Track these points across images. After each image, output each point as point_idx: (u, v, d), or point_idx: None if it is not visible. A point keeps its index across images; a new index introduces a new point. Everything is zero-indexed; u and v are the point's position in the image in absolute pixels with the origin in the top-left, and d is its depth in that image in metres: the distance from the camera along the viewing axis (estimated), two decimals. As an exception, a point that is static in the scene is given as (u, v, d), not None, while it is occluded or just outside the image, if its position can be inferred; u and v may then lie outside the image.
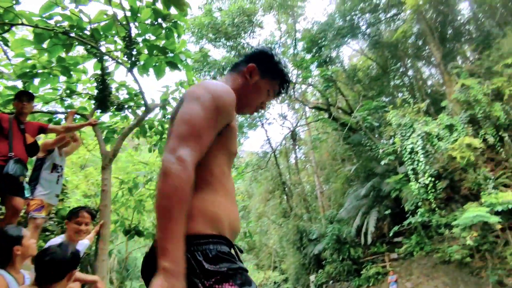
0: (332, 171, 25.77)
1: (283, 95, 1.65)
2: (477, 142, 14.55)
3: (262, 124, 27.85)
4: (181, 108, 1.19)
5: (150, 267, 1.07)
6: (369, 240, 16.90)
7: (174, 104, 5.80)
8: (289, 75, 1.57)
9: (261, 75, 1.48)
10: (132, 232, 5.64)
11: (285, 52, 26.87)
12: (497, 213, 13.22)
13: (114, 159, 4.92)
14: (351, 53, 29.89)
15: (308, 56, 22.10)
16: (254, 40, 24.03)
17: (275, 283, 30.55)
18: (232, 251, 1.17)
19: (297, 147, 30.47)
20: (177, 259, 0.95)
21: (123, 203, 7.38)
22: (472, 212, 13.13)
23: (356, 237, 18.75)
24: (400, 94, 21.03)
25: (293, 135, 28.46)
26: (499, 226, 13.49)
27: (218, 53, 54.07)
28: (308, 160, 30.82)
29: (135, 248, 14.27)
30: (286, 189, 28.17)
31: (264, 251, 34.53)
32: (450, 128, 15.96)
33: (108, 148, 5.43)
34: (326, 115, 22.44)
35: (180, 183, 1.00)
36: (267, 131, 42.84)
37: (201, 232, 1.10)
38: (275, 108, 31.76)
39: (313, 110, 26.21)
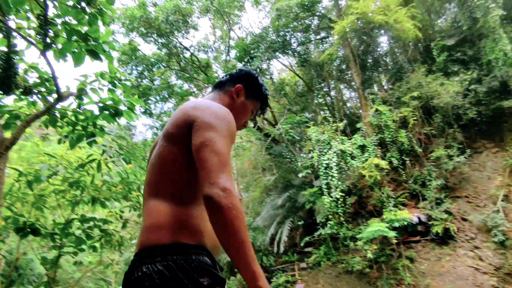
0: (253, 179, 26.28)
1: (259, 115, 1.76)
2: (384, 163, 16.00)
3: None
4: (197, 137, 1.22)
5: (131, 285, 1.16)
6: (282, 249, 17.50)
7: (92, 95, 5.42)
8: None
9: (246, 96, 1.58)
10: (26, 230, 5.07)
11: (217, 57, 26.91)
12: (394, 229, 14.64)
13: (17, 149, 4.45)
14: (280, 67, 31.00)
15: (240, 65, 22.42)
16: (187, 41, 23.73)
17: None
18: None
19: (221, 153, 30.51)
20: (265, 279, 1.08)
21: (19, 197, 6.66)
22: (374, 226, 14.37)
23: (269, 245, 19.29)
24: (322, 112, 22.29)
25: (218, 141, 28.46)
26: (395, 241, 14.95)
27: (149, 48, 52.22)
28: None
29: (29, 249, 12.91)
30: (206, 194, 27.98)
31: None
32: (362, 148, 17.34)
33: (9, 134, 4.88)
34: (252, 125, 22.90)
35: (236, 211, 1.07)
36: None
37: (183, 241, 1.18)
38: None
39: (240, 119, 26.53)
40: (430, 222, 15.76)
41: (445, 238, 15.38)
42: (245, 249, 1.06)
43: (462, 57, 18.71)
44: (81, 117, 5.62)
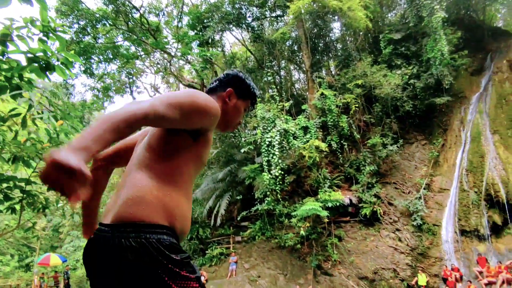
0: (195, 152, 25.97)
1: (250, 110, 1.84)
2: (324, 146, 16.56)
3: (131, 92, 26.18)
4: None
5: (91, 260, 1.25)
6: (219, 222, 17.65)
7: (19, 43, 4.85)
8: (257, 94, 1.81)
9: (238, 97, 1.70)
10: None
11: (169, 22, 25.72)
12: (327, 208, 15.36)
13: None
14: (233, 41, 30.49)
15: (192, 33, 21.62)
16: (137, 1, 22.25)
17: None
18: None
19: (165, 122, 29.66)
20: (86, 147, 0.99)
21: None
22: (309, 205, 14.94)
23: (207, 218, 19.37)
24: (269, 90, 22.40)
25: (163, 110, 27.58)
26: (326, 220, 15.72)
27: (94, 1, 48.34)
28: (174, 137, 30.35)
29: None
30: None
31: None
32: (305, 129, 17.78)
33: None
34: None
35: (140, 108, 1.15)
36: (135, 99, 40.36)
37: (157, 222, 1.24)
38: (148, 77, 30.15)
39: (187, 88, 25.83)
40: (360, 205, 16.76)
41: (372, 220, 16.50)
42: (103, 125, 1.06)
43: (406, 52, 19.72)
44: (5, 66, 5.03)
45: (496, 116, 16.56)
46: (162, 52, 23.40)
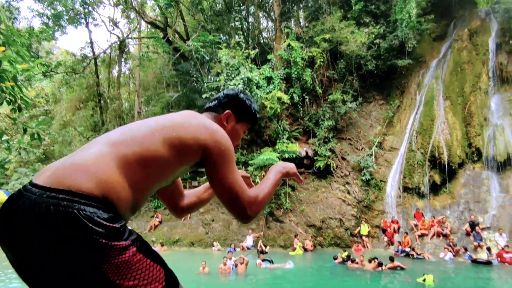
0: (155, 93, 25.11)
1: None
2: (286, 98, 16.65)
3: (87, 24, 24.25)
4: (216, 172, 1.35)
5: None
6: (175, 166, 17.60)
7: None
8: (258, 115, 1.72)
9: (237, 120, 1.61)
10: None
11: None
12: (284, 159, 15.77)
13: None
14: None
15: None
16: None
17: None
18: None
19: (123, 60, 28.11)
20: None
21: None
22: (266, 155, 15.27)
23: (163, 162, 19.20)
24: (236, 37, 21.69)
25: (121, 46, 25.99)
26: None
27: None
28: (132, 76, 28.99)
29: None
30: (101, 101, 25.99)
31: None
32: (269, 80, 17.66)
33: None
34: (161, 35, 21.26)
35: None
36: (91, 33, 37.53)
37: (96, 195, 1.07)
38: (106, 9, 27.98)
39: (149, 26, 24.35)
40: (315, 157, 17.38)
41: (325, 173, 17.26)
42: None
43: (375, 11, 19.65)
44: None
45: (450, 83, 17.33)
46: (123, -18, 21.58)
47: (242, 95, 1.64)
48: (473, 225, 13.31)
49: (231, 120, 1.60)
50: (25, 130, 6.49)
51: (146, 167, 1.22)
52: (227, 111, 1.58)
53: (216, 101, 1.63)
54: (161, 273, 1.12)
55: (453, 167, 15.20)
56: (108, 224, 1.04)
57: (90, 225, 1.01)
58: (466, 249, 12.76)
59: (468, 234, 13.43)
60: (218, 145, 1.34)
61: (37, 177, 1.13)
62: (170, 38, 20.74)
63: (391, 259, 11.27)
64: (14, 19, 22.39)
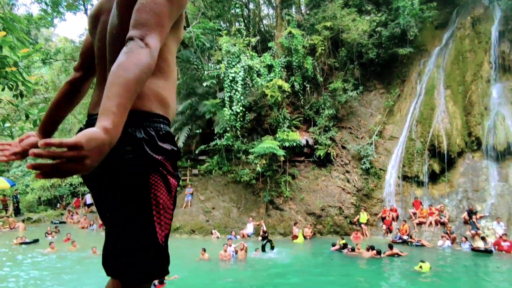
0: (155, 81, 25.00)
1: None
2: (286, 86, 16.60)
3: (86, 10, 24.00)
4: None
5: None
6: (176, 154, 17.65)
7: None
8: None
9: None
10: None
11: None
12: (284, 148, 15.83)
13: None
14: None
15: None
16: None
17: (71, 185, 28.94)
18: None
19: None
20: (118, 125, 0.96)
21: None
22: (267, 143, 15.30)
23: (164, 149, 19.24)
24: (237, 24, 21.51)
25: (120, 33, 25.77)
26: (282, 158, 16.27)
27: None
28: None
29: None
30: (101, 89, 25.90)
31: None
32: (270, 68, 17.58)
33: None
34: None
35: (145, 65, 1.07)
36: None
37: (155, 111, 1.29)
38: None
39: (149, 13, 24.08)
40: (315, 146, 17.43)
41: (325, 161, 17.32)
42: (122, 90, 1.00)
43: (377, -2, 19.43)
44: None
45: (451, 71, 17.25)
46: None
47: None
48: (470, 213, 13.45)
49: None
50: (27, 116, 6.51)
51: None
52: None
53: None
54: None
55: (452, 156, 15.27)
56: (169, 139, 1.35)
57: (152, 141, 1.26)
58: (466, 238, 12.89)
59: (466, 222, 13.58)
60: None
61: (93, 108, 1.41)
62: (170, 25, 20.54)
63: (390, 247, 11.44)
64: (13, 5, 22.19)
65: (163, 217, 1.27)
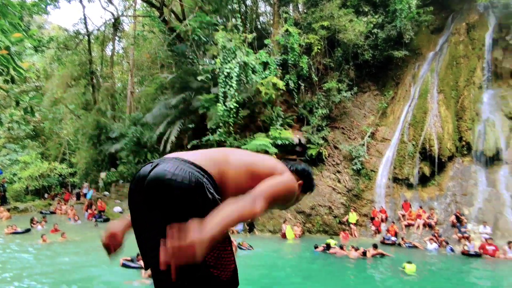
0: (149, 74, 24.86)
1: None
2: (281, 84, 16.57)
3: (81, -1, 23.71)
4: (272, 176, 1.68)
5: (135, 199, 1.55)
6: (168, 148, 17.57)
7: None
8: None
9: (302, 191, 1.95)
10: None
11: None
12: (276, 146, 15.84)
13: None
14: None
15: None
16: None
17: (60, 175, 28.65)
18: None
19: (117, 38, 27.64)
20: (207, 243, 1.22)
21: None
22: (260, 141, 15.30)
23: (156, 143, 19.17)
24: (233, 19, 21.35)
25: (116, 24, 25.53)
26: (274, 156, 16.25)
27: None
28: (126, 56, 28.59)
29: None
30: (94, 80, 25.64)
31: (53, 140, 31.38)
32: (265, 65, 17.54)
33: None
34: (157, 14, 20.88)
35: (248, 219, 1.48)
36: (84, 8, 36.71)
37: (213, 175, 1.58)
38: (102, -15, 27.31)
39: (145, 4, 23.89)
40: (308, 145, 17.46)
41: (317, 161, 17.37)
42: (227, 226, 1.33)
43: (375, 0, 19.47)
44: None
45: (445, 76, 17.39)
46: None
47: (311, 171, 2.04)
48: (458, 217, 13.60)
49: (299, 188, 1.91)
50: (17, 103, 6.36)
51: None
52: (301, 181, 1.91)
53: (294, 168, 1.96)
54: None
55: (443, 160, 15.41)
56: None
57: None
58: (447, 243, 13.07)
59: (454, 226, 13.74)
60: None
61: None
62: (166, 18, 20.41)
63: (375, 246, 11.51)
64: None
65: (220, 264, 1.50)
